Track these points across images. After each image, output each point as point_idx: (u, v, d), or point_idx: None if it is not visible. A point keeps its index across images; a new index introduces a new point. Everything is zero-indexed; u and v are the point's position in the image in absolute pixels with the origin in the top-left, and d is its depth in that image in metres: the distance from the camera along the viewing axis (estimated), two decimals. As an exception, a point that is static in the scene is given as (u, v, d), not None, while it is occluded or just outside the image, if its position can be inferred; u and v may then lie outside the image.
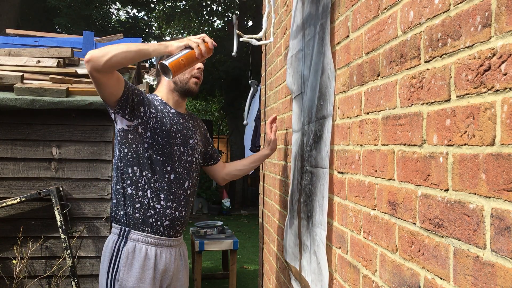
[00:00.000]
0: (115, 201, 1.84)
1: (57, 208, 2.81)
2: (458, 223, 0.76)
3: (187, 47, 1.69)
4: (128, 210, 1.80)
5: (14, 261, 2.79)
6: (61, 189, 2.92)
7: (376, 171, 1.10)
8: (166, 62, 1.61)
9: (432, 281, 0.83)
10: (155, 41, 12.71)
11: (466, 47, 0.75)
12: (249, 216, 10.16)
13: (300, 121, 1.84)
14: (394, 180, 1.00)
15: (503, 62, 0.66)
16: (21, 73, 3.03)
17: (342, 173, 1.33)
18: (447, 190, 0.80)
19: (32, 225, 2.92)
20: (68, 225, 2.91)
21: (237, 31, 2.04)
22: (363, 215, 1.17)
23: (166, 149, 1.82)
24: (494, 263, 0.67)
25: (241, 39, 2.08)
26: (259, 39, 2.12)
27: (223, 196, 10.57)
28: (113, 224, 1.85)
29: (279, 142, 2.39)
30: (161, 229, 1.81)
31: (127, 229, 1.80)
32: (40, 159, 2.96)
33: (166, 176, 1.82)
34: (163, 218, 1.81)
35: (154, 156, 1.80)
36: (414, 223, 0.91)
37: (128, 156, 1.80)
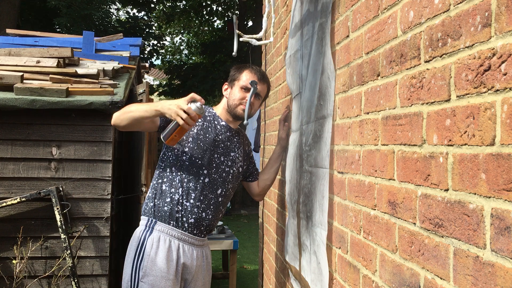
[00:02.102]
0: (150, 194, 1.97)
1: (57, 208, 2.81)
2: (458, 223, 0.76)
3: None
4: (158, 202, 1.92)
5: (14, 261, 2.79)
6: (61, 189, 2.92)
7: (376, 171, 1.10)
8: (164, 139, 1.81)
9: (432, 281, 0.83)
10: (155, 42, 12.86)
11: (466, 47, 0.75)
12: (249, 216, 10.15)
13: (299, 120, 1.84)
14: (394, 180, 1.00)
15: (503, 62, 0.66)
16: (21, 73, 3.03)
17: (342, 173, 1.33)
18: (447, 190, 0.80)
19: (32, 225, 2.92)
20: (68, 225, 2.91)
21: (237, 31, 2.05)
22: (363, 215, 1.17)
23: (206, 154, 1.94)
24: (494, 263, 0.67)
25: (241, 39, 2.08)
26: (259, 39, 2.12)
27: (223, 196, 10.53)
28: (141, 217, 1.96)
29: None
30: (186, 225, 1.90)
31: (153, 220, 1.91)
32: (40, 159, 2.96)
33: (201, 178, 1.93)
34: (189, 215, 1.90)
35: (193, 158, 1.93)
36: (414, 223, 0.91)
37: (170, 159, 1.96)
